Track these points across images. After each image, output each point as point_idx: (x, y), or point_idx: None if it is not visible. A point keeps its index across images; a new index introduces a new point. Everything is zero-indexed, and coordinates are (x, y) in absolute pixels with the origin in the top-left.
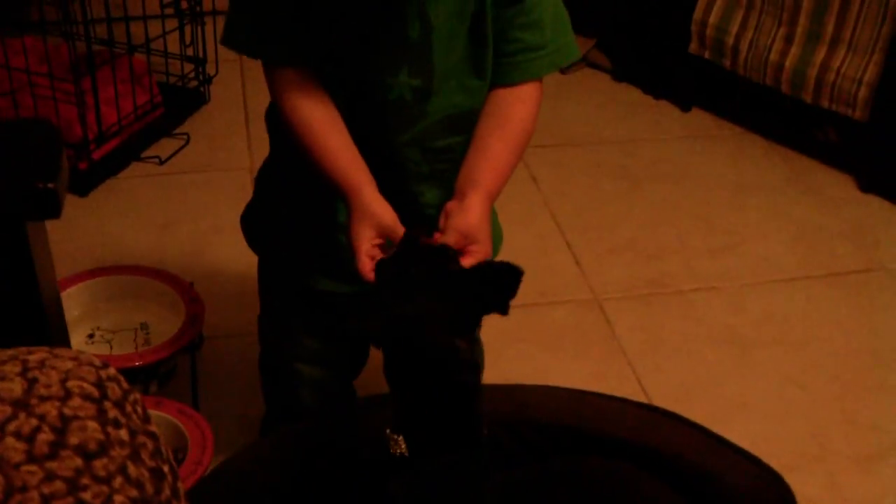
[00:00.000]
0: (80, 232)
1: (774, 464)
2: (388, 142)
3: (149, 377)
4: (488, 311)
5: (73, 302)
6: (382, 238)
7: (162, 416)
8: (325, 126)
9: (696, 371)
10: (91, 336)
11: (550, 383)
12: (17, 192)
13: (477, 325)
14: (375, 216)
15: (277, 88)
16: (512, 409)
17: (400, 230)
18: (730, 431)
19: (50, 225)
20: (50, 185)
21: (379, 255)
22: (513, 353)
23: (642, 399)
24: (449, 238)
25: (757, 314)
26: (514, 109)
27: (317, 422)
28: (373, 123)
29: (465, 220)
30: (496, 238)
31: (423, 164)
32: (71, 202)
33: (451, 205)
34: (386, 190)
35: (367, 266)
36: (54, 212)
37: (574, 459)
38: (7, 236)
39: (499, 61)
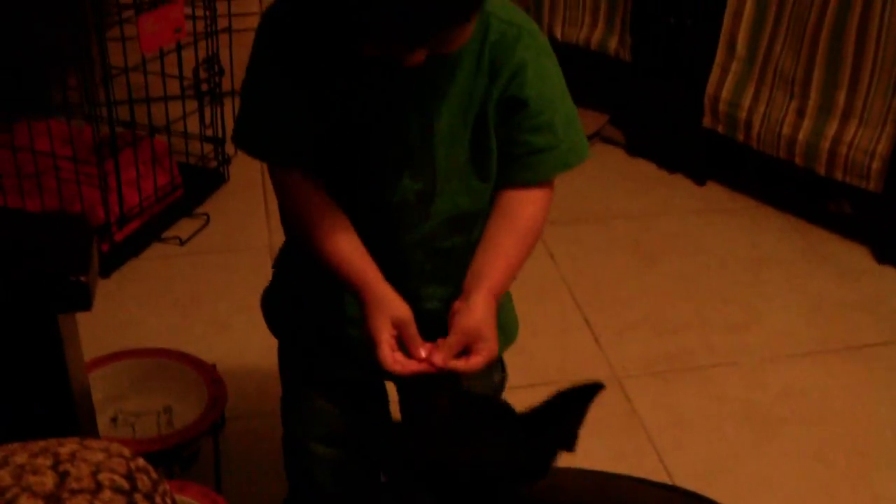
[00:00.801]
0: (103, 313)
1: None
2: (391, 242)
3: (172, 460)
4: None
5: (96, 386)
6: (397, 331)
7: (186, 500)
8: (332, 226)
9: (717, 448)
10: (114, 419)
11: (571, 462)
12: (49, 286)
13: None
14: (391, 308)
15: (283, 189)
16: (541, 491)
17: (413, 327)
18: None
19: None
20: (82, 279)
21: (395, 346)
22: None
23: (663, 476)
24: (454, 338)
25: (777, 389)
26: (523, 209)
27: None
28: (377, 224)
29: (470, 319)
30: (511, 329)
31: (426, 263)
32: None
33: (457, 304)
34: None
35: (388, 357)
36: (85, 304)
37: None
38: (39, 328)
39: (508, 162)
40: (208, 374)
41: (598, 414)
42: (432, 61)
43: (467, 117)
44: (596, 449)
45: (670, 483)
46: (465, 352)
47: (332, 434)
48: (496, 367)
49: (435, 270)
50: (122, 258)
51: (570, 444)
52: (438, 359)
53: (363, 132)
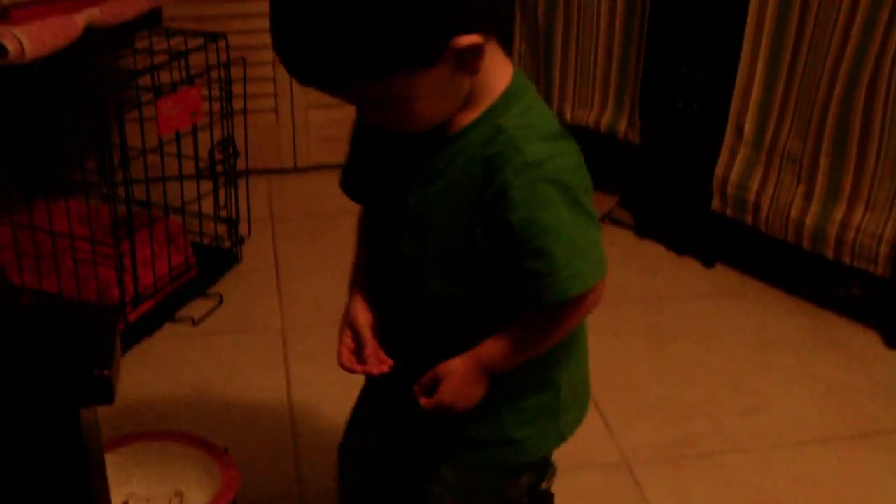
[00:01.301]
0: (116, 394)
1: None
2: (390, 292)
3: None
4: None
5: (108, 468)
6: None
7: None
8: (359, 246)
9: None
10: None
11: None
12: (72, 379)
13: None
14: (352, 315)
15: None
16: None
17: (365, 330)
18: None
19: None
20: (105, 373)
21: (352, 347)
22: None
23: None
24: (425, 377)
25: (787, 476)
26: (534, 317)
27: None
28: (384, 270)
29: (443, 365)
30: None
31: (419, 318)
32: None
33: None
34: (386, 326)
35: (342, 355)
36: (108, 398)
37: None
38: (61, 421)
39: (514, 281)
40: (220, 458)
41: (607, 500)
42: (438, 140)
43: (461, 211)
44: None
45: None
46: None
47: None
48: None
49: (425, 329)
50: (136, 338)
51: None
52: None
53: (383, 187)
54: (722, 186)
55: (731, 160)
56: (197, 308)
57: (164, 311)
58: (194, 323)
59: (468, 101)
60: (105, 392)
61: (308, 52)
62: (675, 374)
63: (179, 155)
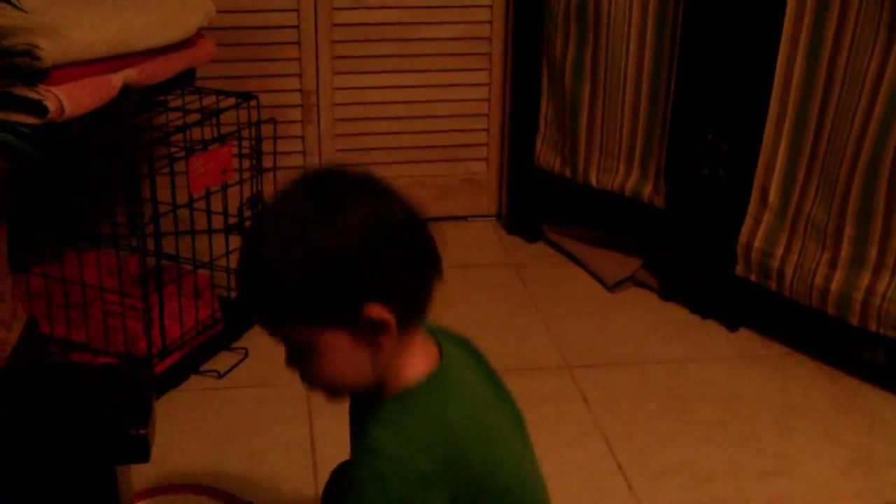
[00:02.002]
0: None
1: None
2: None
3: None
4: None
5: None
6: None
7: None
8: None
9: None
10: None
11: None
12: (110, 439)
13: None
14: None
15: None
16: None
17: None
18: None
19: None
20: (142, 432)
21: None
22: None
23: None
24: None
25: None
26: None
27: None
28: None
29: None
30: None
31: None
32: None
33: None
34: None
35: None
36: (143, 456)
37: None
38: (97, 477)
39: None
40: None
41: None
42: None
43: None
44: None
45: None
46: None
47: None
48: None
49: None
50: (162, 390)
51: None
52: None
53: None
54: (746, 252)
55: (756, 227)
56: (222, 361)
57: (190, 364)
58: (219, 376)
59: (380, 388)
60: (141, 450)
61: (243, 294)
62: (697, 437)
63: (209, 210)
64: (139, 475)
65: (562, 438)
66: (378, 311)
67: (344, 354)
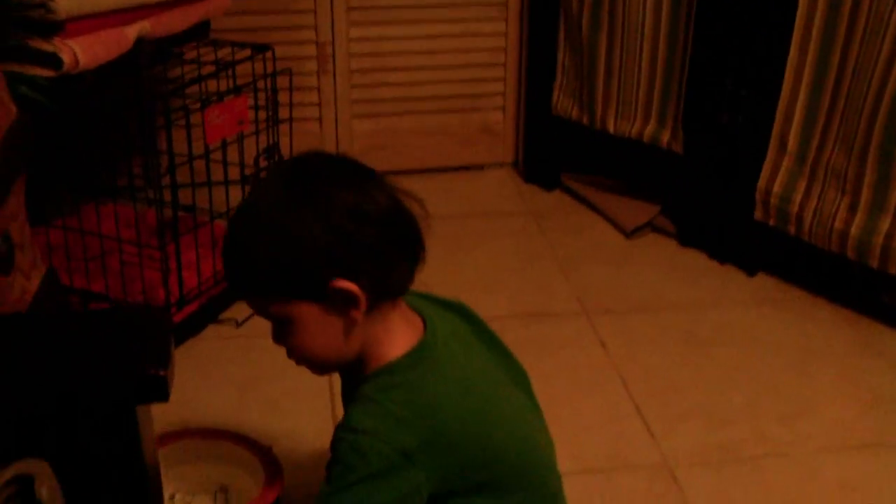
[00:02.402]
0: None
1: None
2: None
3: None
4: None
5: None
6: None
7: None
8: None
9: None
10: (172, 498)
11: None
12: (130, 379)
13: None
14: None
15: None
16: None
17: None
18: None
19: None
20: (161, 372)
21: None
22: None
23: None
24: None
25: (831, 482)
26: None
27: None
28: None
29: None
30: None
31: None
32: None
33: None
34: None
35: None
36: (163, 397)
37: None
38: (118, 418)
39: None
40: (265, 456)
41: (649, 502)
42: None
43: None
44: None
45: None
46: None
47: None
48: None
49: None
50: (180, 339)
51: None
52: None
53: None
54: (764, 198)
55: (775, 173)
56: (240, 310)
57: (208, 313)
58: (237, 325)
59: (362, 365)
60: (160, 390)
61: (226, 262)
62: (716, 380)
63: (225, 162)
64: (160, 420)
65: (580, 383)
66: (346, 285)
67: (319, 328)
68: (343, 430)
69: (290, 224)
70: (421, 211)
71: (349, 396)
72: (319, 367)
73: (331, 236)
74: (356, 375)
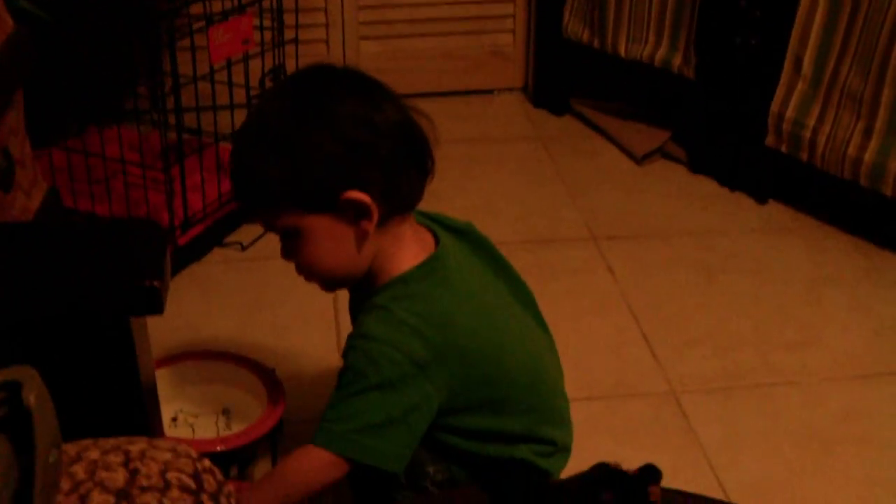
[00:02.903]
0: (166, 315)
1: None
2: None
3: (230, 461)
4: None
5: (159, 385)
6: None
7: None
8: None
9: (774, 468)
10: (174, 419)
11: None
12: (124, 290)
13: None
14: None
15: None
16: None
17: None
18: None
19: None
20: (155, 284)
21: None
22: (587, 445)
23: (718, 493)
24: None
25: (837, 410)
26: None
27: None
28: None
29: None
30: None
31: None
32: None
33: None
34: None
35: None
36: (157, 308)
37: None
38: (112, 330)
39: None
40: (268, 378)
41: (654, 429)
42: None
43: None
44: None
45: (725, 500)
46: None
47: None
48: None
49: None
50: (185, 262)
51: None
52: None
53: None
54: (777, 123)
55: (788, 96)
56: (245, 233)
57: (214, 236)
58: (243, 248)
59: (373, 279)
60: (154, 302)
61: (235, 177)
62: (724, 307)
63: (230, 83)
64: (164, 342)
65: (587, 309)
66: (358, 196)
67: (329, 240)
68: (355, 338)
69: (299, 135)
70: (429, 126)
71: (358, 312)
72: (329, 282)
73: (340, 147)
74: (366, 290)
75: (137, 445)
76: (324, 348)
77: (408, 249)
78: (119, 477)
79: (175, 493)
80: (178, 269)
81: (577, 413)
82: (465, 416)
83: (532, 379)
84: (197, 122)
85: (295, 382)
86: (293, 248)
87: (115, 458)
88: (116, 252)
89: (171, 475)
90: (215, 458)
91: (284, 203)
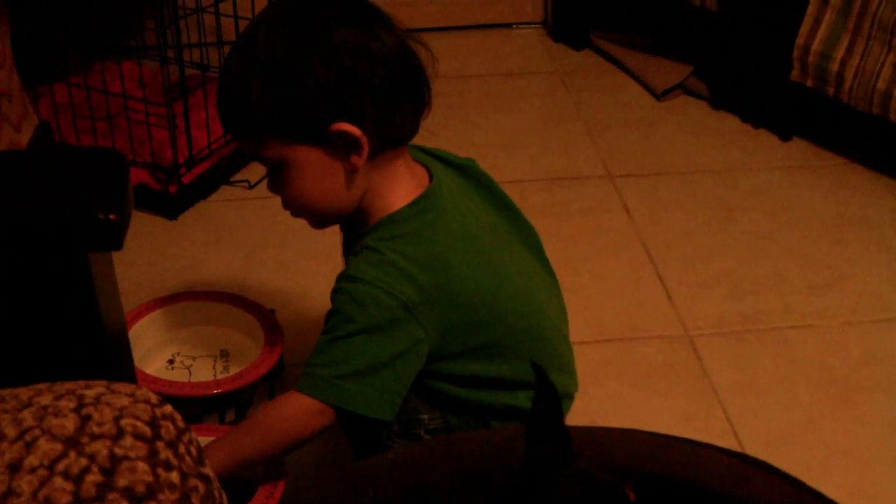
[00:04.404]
0: (170, 255)
1: None
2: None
3: (227, 404)
4: None
5: (156, 327)
6: None
7: None
8: None
9: (790, 414)
10: (171, 361)
11: (637, 422)
12: (78, 223)
13: None
14: None
15: None
16: (594, 452)
17: None
18: (826, 481)
19: (139, 248)
20: (111, 217)
21: None
22: (599, 389)
23: (732, 442)
24: None
25: (858, 355)
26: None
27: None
28: None
29: None
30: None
31: None
32: (161, 225)
33: None
34: None
35: None
36: (114, 244)
37: None
38: (69, 267)
39: None
40: (267, 320)
41: (667, 373)
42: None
43: None
44: (662, 409)
45: (738, 450)
46: None
47: None
48: None
49: None
50: (190, 200)
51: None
52: None
53: None
54: (803, 56)
55: (815, 28)
56: (253, 171)
57: (220, 174)
58: (250, 186)
59: (364, 218)
60: (112, 237)
61: (221, 102)
62: (744, 248)
63: (236, 16)
64: (165, 282)
65: (601, 248)
66: (347, 128)
67: (317, 174)
68: (343, 280)
69: (290, 60)
70: (428, 56)
71: (350, 252)
72: (317, 218)
73: (333, 74)
74: (358, 228)
75: (94, 390)
76: (328, 289)
77: (400, 187)
78: (69, 424)
79: (128, 440)
80: (183, 207)
81: (589, 356)
82: (458, 362)
83: (530, 323)
84: (201, 57)
85: (296, 324)
86: (279, 180)
87: (68, 404)
88: (74, 183)
89: (125, 422)
90: (211, 401)
91: (270, 132)
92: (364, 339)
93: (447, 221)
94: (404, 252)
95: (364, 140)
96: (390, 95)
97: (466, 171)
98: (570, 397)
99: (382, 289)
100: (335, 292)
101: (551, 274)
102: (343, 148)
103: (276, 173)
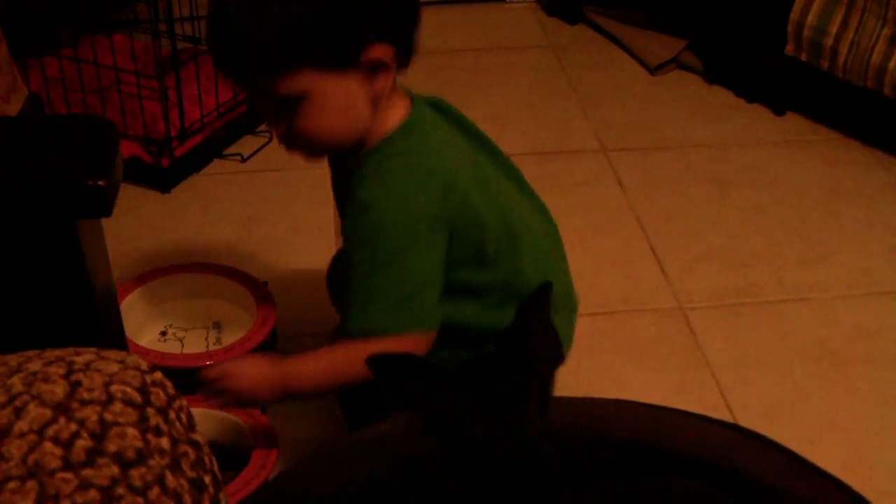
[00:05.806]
0: (162, 228)
1: (866, 490)
2: None
3: None
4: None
5: (148, 299)
6: None
7: (227, 416)
8: None
9: (783, 386)
10: (164, 333)
11: (630, 395)
12: (65, 190)
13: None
14: None
15: None
16: (586, 423)
17: None
18: (818, 452)
19: (132, 222)
20: (100, 183)
21: None
22: (592, 362)
23: (725, 413)
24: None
25: (850, 328)
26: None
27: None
28: None
29: (243, 364)
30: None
31: None
32: (153, 198)
33: None
34: None
35: None
36: (104, 210)
37: (650, 479)
38: (58, 234)
39: None
40: (259, 292)
41: (660, 347)
42: (344, 174)
43: None
44: (656, 382)
45: (731, 421)
46: None
47: None
48: None
49: None
50: (183, 173)
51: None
52: None
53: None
54: (797, 30)
55: (810, 2)
56: (245, 145)
57: (213, 148)
58: (243, 160)
59: (359, 147)
60: (100, 203)
61: (234, 37)
62: (737, 222)
63: None
64: (159, 255)
65: (594, 222)
66: (384, 51)
67: (339, 103)
68: (354, 210)
69: None
70: None
71: (343, 186)
72: (318, 149)
73: None
74: (351, 158)
75: (84, 357)
76: (320, 262)
77: (394, 109)
78: (59, 389)
79: (118, 406)
80: (175, 180)
81: (583, 329)
82: (452, 271)
83: (530, 242)
84: (193, 30)
85: (288, 296)
86: (288, 113)
87: (57, 370)
88: (61, 150)
89: (115, 388)
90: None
91: (293, 61)
92: (396, 264)
93: (436, 136)
94: (407, 168)
95: (393, 63)
96: (415, 10)
97: (439, 106)
98: (568, 338)
99: (395, 211)
100: (348, 228)
101: (535, 197)
102: (370, 71)
103: (286, 109)
